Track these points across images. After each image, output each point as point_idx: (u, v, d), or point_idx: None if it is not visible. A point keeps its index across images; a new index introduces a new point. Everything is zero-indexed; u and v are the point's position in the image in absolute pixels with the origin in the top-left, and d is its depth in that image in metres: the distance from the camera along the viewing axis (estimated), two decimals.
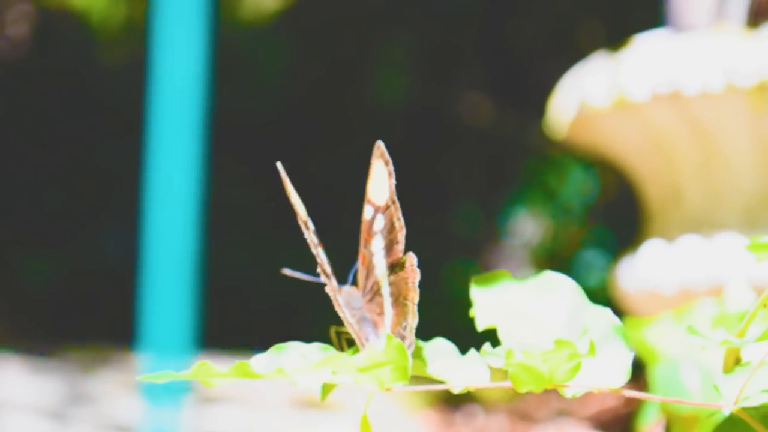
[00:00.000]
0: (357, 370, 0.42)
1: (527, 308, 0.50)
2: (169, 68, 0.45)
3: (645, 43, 1.17)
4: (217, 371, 0.42)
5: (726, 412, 0.47)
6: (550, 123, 1.28)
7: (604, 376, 0.47)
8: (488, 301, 0.51)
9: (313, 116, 2.83)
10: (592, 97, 1.18)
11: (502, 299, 0.50)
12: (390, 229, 0.49)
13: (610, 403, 1.51)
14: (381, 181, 0.49)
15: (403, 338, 0.47)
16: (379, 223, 0.49)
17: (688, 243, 1.15)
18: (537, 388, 0.46)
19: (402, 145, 2.90)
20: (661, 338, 0.81)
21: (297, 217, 0.48)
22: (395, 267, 0.49)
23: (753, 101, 1.09)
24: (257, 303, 2.50)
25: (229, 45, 2.83)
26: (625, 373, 0.47)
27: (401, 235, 0.49)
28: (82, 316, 2.44)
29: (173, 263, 0.43)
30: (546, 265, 2.85)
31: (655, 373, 0.76)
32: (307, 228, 0.48)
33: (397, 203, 0.49)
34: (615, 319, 0.48)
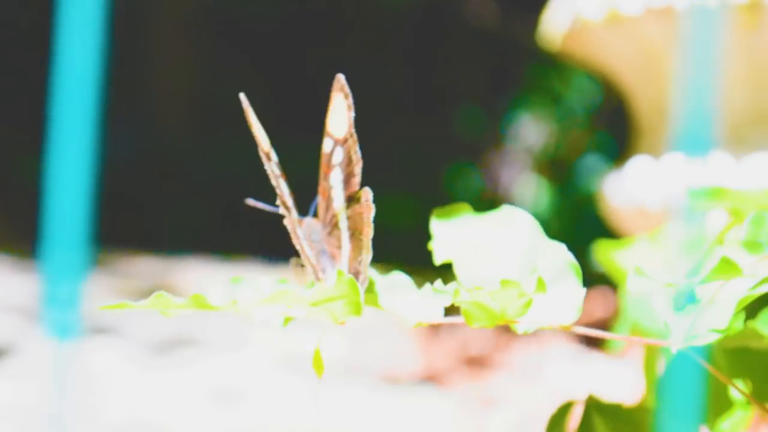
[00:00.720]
0: (309, 305, 0.43)
1: (485, 243, 0.50)
2: None
3: None
4: (173, 302, 0.43)
5: (673, 351, 0.48)
6: (544, 34, 1.28)
7: (556, 313, 0.48)
8: (447, 235, 0.51)
9: (315, 17, 2.81)
10: (585, 11, 1.17)
11: (461, 233, 0.51)
12: (348, 162, 0.49)
13: (598, 315, 1.52)
14: (340, 114, 0.49)
15: (357, 273, 0.47)
16: (338, 156, 0.49)
17: (675, 159, 1.16)
18: (489, 324, 0.47)
19: (405, 46, 2.87)
20: (636, 260, 0.82)
21: (258, 148, 0.48)
22: (352, 200, 0.49)
23: (745, 18, 1.09)
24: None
25: None
26: (576, 309, 0.48)
27: (358, 168, 0.49)
28: None
29: (74, 166, 0.43)
30: (548, 169, 2.85)
31: (626, 297, 0.77)
32: (269, 159, 0.49)
33: (355, 137, 0.49)
34: (569, 255, 0.49)
